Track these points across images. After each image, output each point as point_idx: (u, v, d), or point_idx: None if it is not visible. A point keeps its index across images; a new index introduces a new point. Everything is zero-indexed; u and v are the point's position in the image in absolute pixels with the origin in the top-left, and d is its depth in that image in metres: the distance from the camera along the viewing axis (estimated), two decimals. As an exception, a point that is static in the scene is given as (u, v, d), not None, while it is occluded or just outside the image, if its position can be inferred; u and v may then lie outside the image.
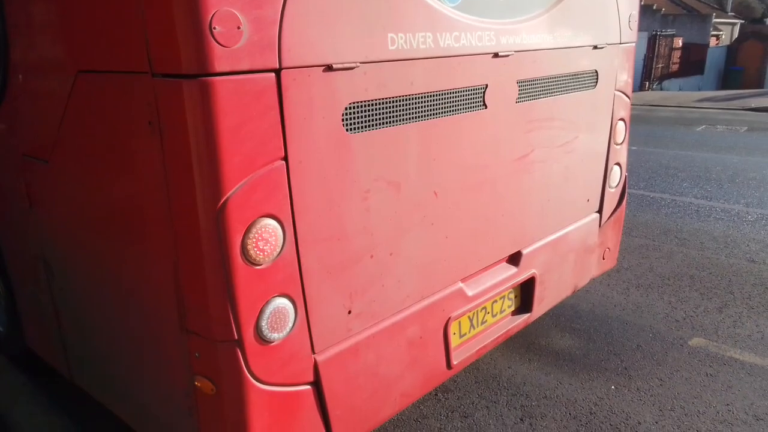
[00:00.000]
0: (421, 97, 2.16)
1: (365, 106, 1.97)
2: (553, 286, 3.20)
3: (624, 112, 3.44)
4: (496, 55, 2.44)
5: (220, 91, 1.57)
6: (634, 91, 3.46)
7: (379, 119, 2.03)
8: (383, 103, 2.03)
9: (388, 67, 2.01)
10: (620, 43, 3.24)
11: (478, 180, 2.53)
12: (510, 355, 3.48)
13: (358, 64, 1.89)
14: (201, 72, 1.54)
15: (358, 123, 1.96)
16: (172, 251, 1.78)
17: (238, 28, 1.57)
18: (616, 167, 3.51)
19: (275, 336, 1.84)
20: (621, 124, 3.45)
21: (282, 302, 1.85)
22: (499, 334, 2.87)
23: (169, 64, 1.58)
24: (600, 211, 3.46)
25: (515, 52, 2.53)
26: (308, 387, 2.00)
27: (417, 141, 2.20)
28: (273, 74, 1.68)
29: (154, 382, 2.11)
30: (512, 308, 2.99)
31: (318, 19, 1.76)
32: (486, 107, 2.47)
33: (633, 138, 3.60)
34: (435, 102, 2.23)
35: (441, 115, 2.27)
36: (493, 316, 2.86)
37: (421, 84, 2.14)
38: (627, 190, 3.66)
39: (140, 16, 1.61)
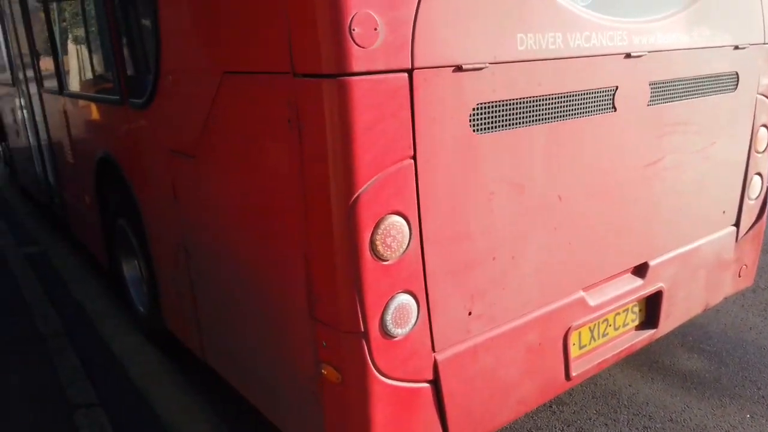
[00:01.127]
0: (549, 99, 2.12)
1: (493, 106, 1.96)
2: (682, 302, 3.00)
3: (767, 117, 3.18)
4: (627, 55, 2.34)
5: (356, 90, 1.64)
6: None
7: (506, 120, 2.02)
8: (510, 104, 2.01)
9: (517, 67, 1.99)
10: (764, 44, 3.00)
11: (604, 185, 2.44)
12: (631, 372, 3.30)
13: (487, 65, 1.90)
14: (340, 72, 1.61)
15: (484, 123, 1.96)
16: (304, 243, 1.87)
17: (375, 29, 1.62)
18: (757, 177, 3.24)
19: (399, 331, 1.88)
20: (763, 130, 3.18)
21: (406, 298, 1.88)
22: (622, 348, 2.74)
23: (310, 64, 1.67)
24: (737, 224, 3.21)
25: (648, 52, 2.41)
26: (427, 385, 2.02)
27: (543, 143, 2.16)
28: (405, 74, 1.72)
29: (282, 366, 2.22)
30: (636, 322, 2.84)
31: (449, 20, 1.78)
32: (615, 110, 2.37)
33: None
34: (562, 103, 2.17)
35: (568, 117, 2.21)
36: (615, 329, 2.73)
37: (549, 85, 2.11)
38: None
39: (284, 20, 1.71)
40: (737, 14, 2.83)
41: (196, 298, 2.81)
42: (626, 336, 2.80)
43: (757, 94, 3.08)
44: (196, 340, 2.91)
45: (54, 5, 4.18)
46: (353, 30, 1.59)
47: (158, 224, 3.07)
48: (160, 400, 3.08)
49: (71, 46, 4.17)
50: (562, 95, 2.16)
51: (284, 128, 1.82)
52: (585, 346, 2.60)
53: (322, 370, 1.92)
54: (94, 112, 3.79)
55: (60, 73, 4.27)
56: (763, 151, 3.22)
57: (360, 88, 1.64)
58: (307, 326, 1.95)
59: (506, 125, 2.02)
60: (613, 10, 2.28)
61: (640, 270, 2.75)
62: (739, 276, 3.35)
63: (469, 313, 2.08)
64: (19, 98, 5.95)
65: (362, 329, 1.81)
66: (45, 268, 4.95)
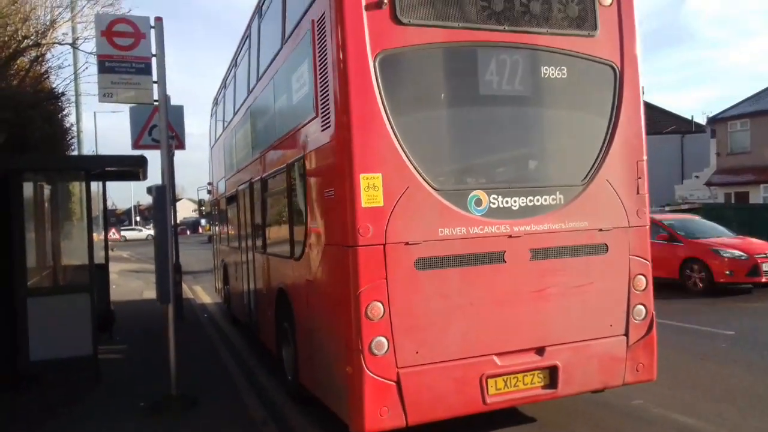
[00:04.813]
0: (460, 257, 4.68)
1: (427, 259, 4.59)
2: (578, 377, 5.00)
3: (643, 269, 5.26)
4: (510, 236, 4.83)
5: (361, 252, 4.41)
6: None
7: (435, 265, 4.61)
8: (437, 258, 4.62)
9: (439, 242, 4.62)
10: (629, 227, 5.22)
11: (502, 300, 4.80)
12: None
13: (422, 242, 4.57)
14: (355, 245, 4.41)
15: (423, 266, 4.58)
16: (346, 311, 4.58)
17: (369, 229, 4.42)
18: (641, 306, 5.24)
19: (378, 353, 4.42)
20: (641, 277, 5.25)
21: (382, 339, 4.44)
22: (528, 396, 4.87)
23: (347, 242, 4.51)
24: (626, 334, 5.18)
25: (525, 234, 4.87)
26: (394, 383, 4.46)
27: (458, 277, 4.69)
28: (381, 246, 4.46)
29: (337, 372, 4.81)
30: (542, 384, 4.92)
31: (402, 226, 4.51)
32: (505, 262, 4.82)
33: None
34: (469, 259, 4.71)
35: (474, 265, 4.72)
36: (524, 384, 4.86)
37: (459, 249, 4.68)
38: (655, 321, 5.28)
39: (343, 226, 4.61)
40: (600, 211, 5.14)
41: (312, 357, 5.56)
42: (534, 390, 4.89)
43: (630, 255, 5.23)
44: (308, 378, 5.62)
45: (259, 204, 7.74)
46: (359, 231, 4.41)
47: (301, 321, 5.96)
48: None
49: (268, 226, 7.61)
50: (468, 255, 4.71)
51: (345, 268, 4.61)
52: (500, 389, 4.78)
53: (347, 369, 4.51)
54: (278, 263, 7.00)
55: (264, 240, 7.70)
56: (644, 290, 5.26)
57: (363, 251, 4.42)
58: (346, 349, 4.57)
59: (434, 268, 4.61)
60: (499, 216, 4.82)
61: (540, 350, 4.92)
62: (637, 370, 5.21)
63: (417, 352, 4.54)
64: (241, 256, 9.67)
65: (361, 349, 4.40)
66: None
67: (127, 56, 6.29)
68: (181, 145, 10.70)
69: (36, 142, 8.26)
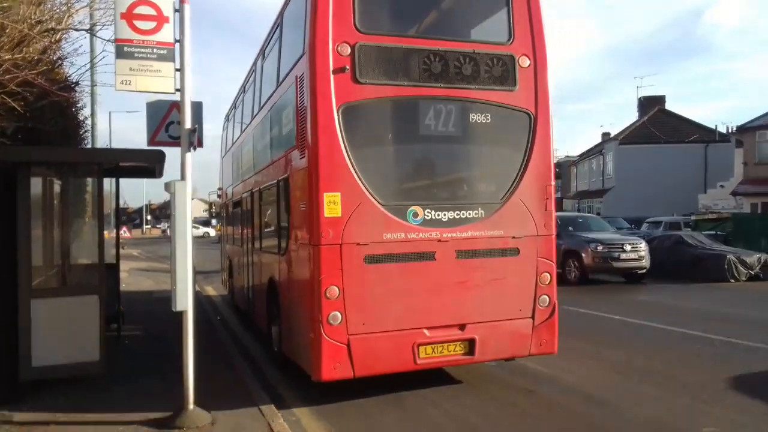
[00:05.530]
0: (398, 255, 6.26)
1: (373, 256, 6.17)
2: (492, 348, 6.57)
3: (548, 268, 6.82)
4: (439, 240, 6.41)
5: (323, 250, 6.01)
6: None
7: (379, 260, 6.19)
8: (381, 256, 6.20)
9: (383, 243, 6.21)
10: (537, 235, 6.78)
11: (432, 288, 6.37)
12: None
13: (370, 243, 6.16)
14: (318, 244, 6.01)
15: (370, 261, 6.16)
16: (312, 292, 6.18)
17: (329, 233, 6.03)
18: (545, 296, 6.79)
19: (333, 323, 6.00)
20: (546, 274, 6.81)
21: (337, 313, 6.02)
22: (451, 359, 6.45)
23: (313, 242, 6.10)
24: (532, 317, 6.74)
25: (452, 239, 6.45)
26: (345, 346, 6.04)
27: (398, 269, 6.26)
28: (339, 245, 6.06)
29: (305, 338, 6.40)
30: (462, 352, 6.49)
31: (355, 231, 6.10)
32: (436, 260, 6.39)
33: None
34: (407, 256, 6.29)
35: (410, 261, 6.30)
36: (448, 351, 6.43)
37: (399, 249, 6.26)
38: (557, 308, 6.83)
39: (311, 232, 6.22)
40: (513, 222, 6.70)
41: (290, 329, 7.16)
42: (455, 356, 6.46)
43: (538, 257, 6.79)
44: (288, 346, 7.23)
45: (257, 210, 9.38)
46: (322, 234, 6.02)
47: (285, 303, 7.57)
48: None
49: (263, 228, 9.24)
50: (406, 254, 6.29)
51: (311, 260, 6.22)
52: (429, 354, 6.35)
53: (311, 335, 6.11)
54: (270, 258, 8.62)
55: (260, 240, 9.35)
56: (548, 284, 6.81)
57: (324, 249, 6.02)
58: (310, 321, 6.17)
59: (379, 263, 6.20)
60: (432, 225, 6.40)
61: (462, 327, 6.47)
62: (541, 345, 6.76)
63: (363, 323, 6.12)
64: (242, 252, 11.34)
65: (320, 320, 5.99)
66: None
67: (148, 41, 5.76)
68: (200, 143, 10.74)
69: (47, 135, 7.89)
